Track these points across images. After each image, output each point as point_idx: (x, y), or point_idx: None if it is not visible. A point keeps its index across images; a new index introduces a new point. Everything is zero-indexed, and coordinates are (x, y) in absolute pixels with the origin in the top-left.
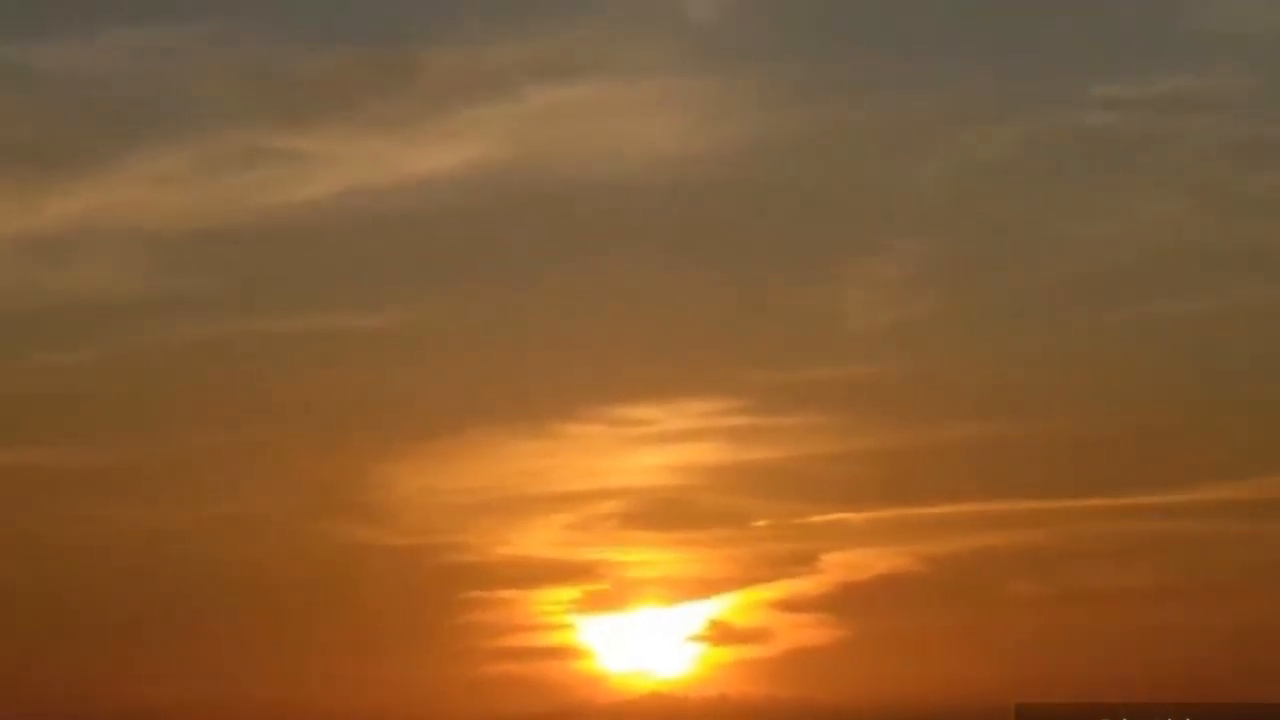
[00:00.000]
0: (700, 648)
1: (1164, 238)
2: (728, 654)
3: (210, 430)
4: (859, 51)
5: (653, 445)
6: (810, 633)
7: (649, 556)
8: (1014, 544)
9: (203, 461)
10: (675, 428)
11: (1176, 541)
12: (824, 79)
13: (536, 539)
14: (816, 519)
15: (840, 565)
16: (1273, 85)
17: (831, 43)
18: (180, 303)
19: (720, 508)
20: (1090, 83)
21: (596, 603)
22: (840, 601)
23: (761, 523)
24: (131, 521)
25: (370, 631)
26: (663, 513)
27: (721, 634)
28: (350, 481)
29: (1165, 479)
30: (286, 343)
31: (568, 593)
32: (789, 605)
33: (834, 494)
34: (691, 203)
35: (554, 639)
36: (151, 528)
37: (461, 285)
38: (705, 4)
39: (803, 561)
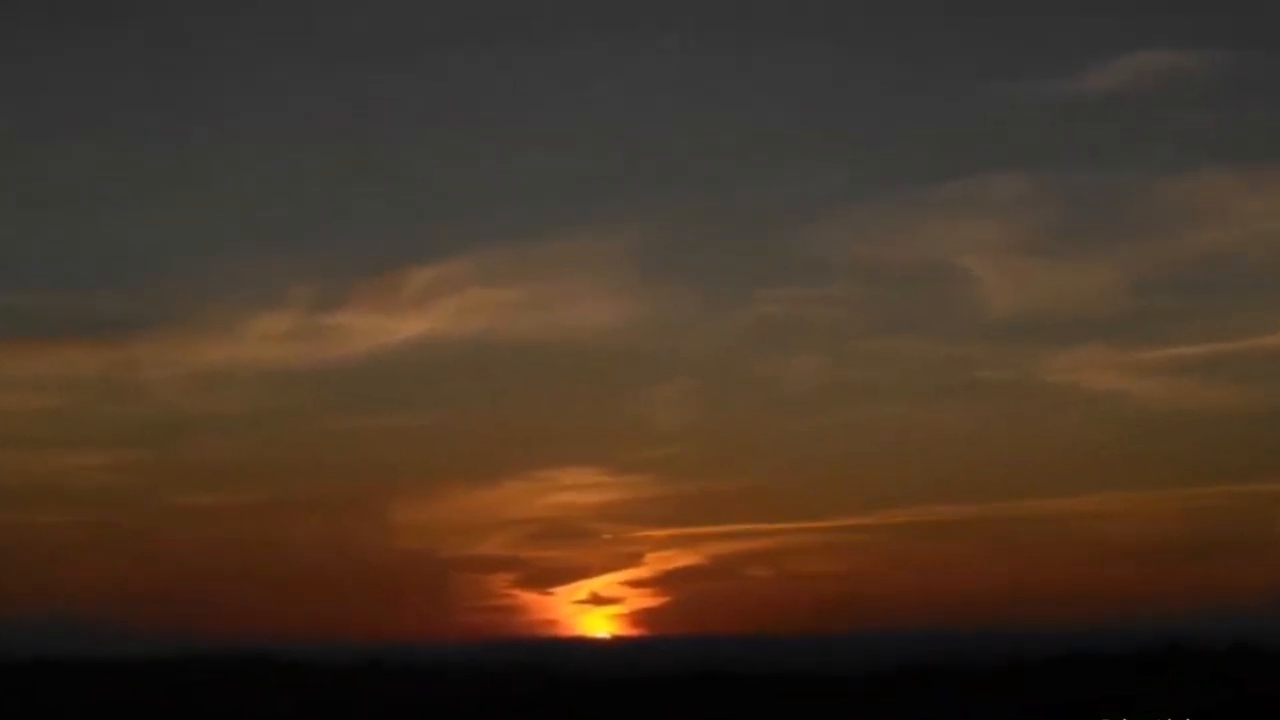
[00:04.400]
0: (584, 608)
1: (823, 376)
2: (600, 611)
3: (318, 483)
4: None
5: (554, 493)
6: (645, 600)
7: (553, 555)
8: (754, 546)
9: (311, 503)
10: (566, 483)
11: (856, 546)
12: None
13: (492, 545)
14: (641, 534)
15: (657, 560)
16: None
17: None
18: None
19: (591, 528)
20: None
21: (525, 582)
22: (660, 581)
23: (608, 536)
24: (271, 528)
25: (406, 591)
26: (559, 531)
27: (595, 600)
28: (390, 515)
29: (834, 511)
30: (349, 436)
31: (509, 576)
32: (632, 584)
33: (651, 520)
34: (573, 356)
35: (502, 602)
36: (280, 532)
37: (433, 401)
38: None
39: (636, 558)
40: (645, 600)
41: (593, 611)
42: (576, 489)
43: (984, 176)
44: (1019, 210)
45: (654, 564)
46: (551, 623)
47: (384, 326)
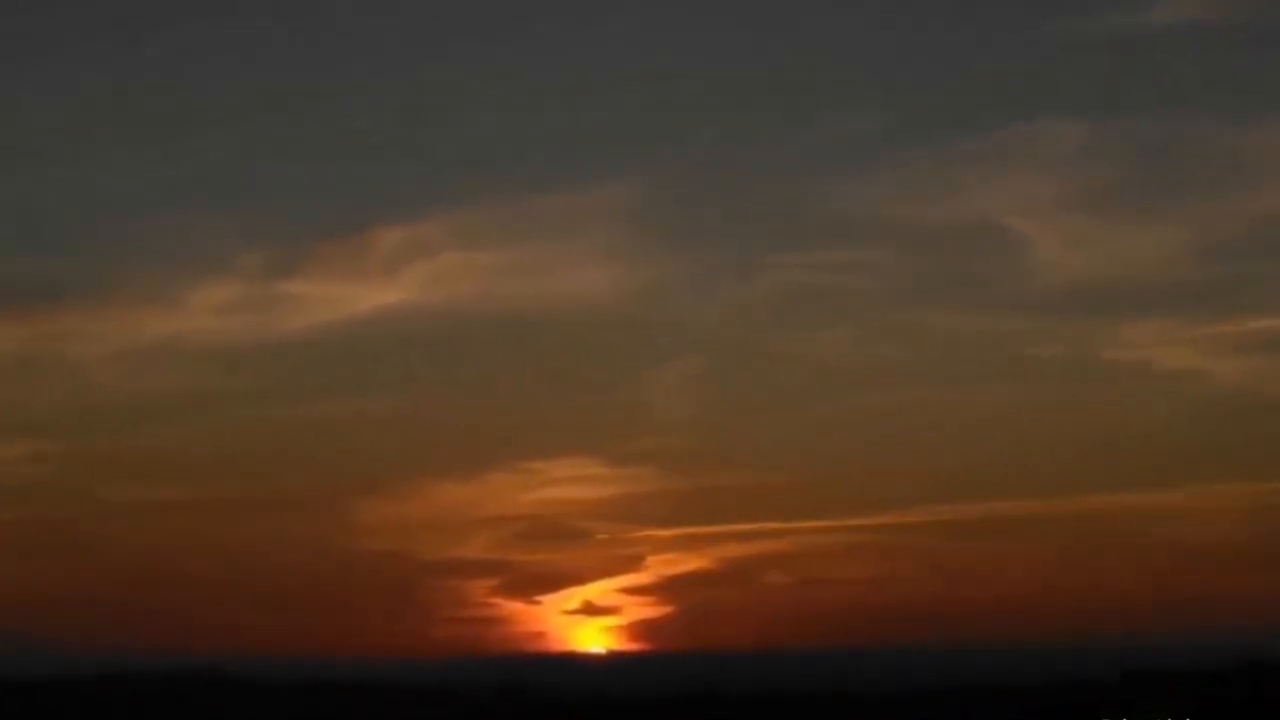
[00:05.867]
0: (576, 618)
1: (850, 353)
2: (594, 622)
3: (272, 476)
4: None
5: (542, 488)
6: (645, 609)
7: (541, 558)
8: (769, 549)
9: (265, 500)
10: (556, 476)
11: (887, 548)
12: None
13: (472, 547)
14: (641, 534)
15: (660, 564)
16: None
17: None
18: (218, 393)
19: (584, 527)
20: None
21: (509, 589)
22: (662, 588)
23: (604, 537)
24: (217, 528)
25: (373, 599)
26: (548, 531)
27: (589, 609)
28: (355, 512)
29: (864, 508)
30: (307, 422)
31: (491, 582)
32: (630, 591)
33: (652, 518)
34: (564, 330)
35: (482, 612)
36: (229, 532)
37: (405, 382)
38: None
39: (635, 562)
40: (646, 610)
41: (586, 623)
42: (568, 483)
43: (1036, 124)
44: (1076, 162)
45: (656, 568)
46: (539, 635)
47: (346, 296)
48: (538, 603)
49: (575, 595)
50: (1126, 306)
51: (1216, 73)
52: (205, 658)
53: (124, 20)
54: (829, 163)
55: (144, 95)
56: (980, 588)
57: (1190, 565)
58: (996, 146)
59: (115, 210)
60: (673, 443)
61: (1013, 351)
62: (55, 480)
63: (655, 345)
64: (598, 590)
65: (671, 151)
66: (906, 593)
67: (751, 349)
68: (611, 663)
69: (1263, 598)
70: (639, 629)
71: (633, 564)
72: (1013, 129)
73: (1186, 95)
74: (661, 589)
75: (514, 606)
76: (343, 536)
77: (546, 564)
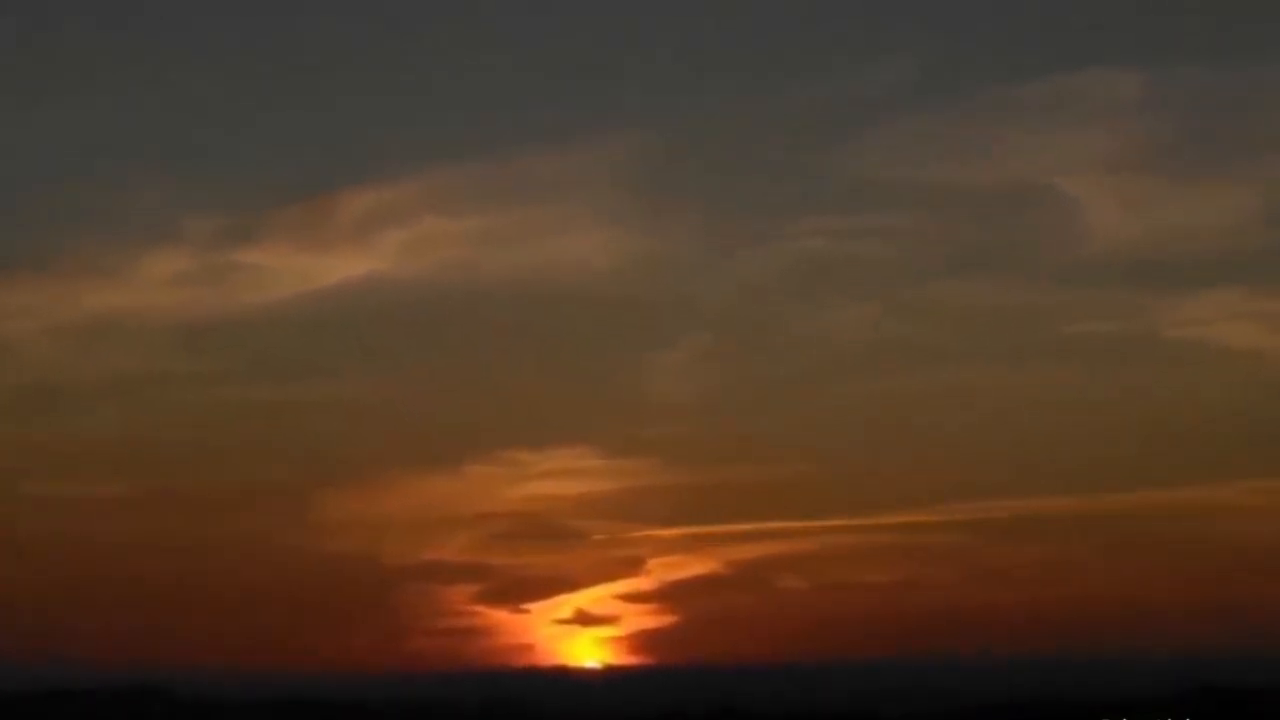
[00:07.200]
0: (568, 628)
1: (875, 332)
2: (589, 633)
3: (226, 468)
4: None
5: (530, 481)
6: (646, 619)
7: (529, 561)
8: (785, 550)
9: (217, 495)
10: (546, 469)
11: (917, 550)
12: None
13: (451, 549)
14: (641, 534)
15: (662, 568)
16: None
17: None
18: (165, 376)
19: (577, 526)
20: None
21: (493, 596)
22: (665, 595)
23: (600, 537)
24: (162, 527)
25: (339, 608)
26: (537, 531)
27: (584, 619)
28: (319, 509)
29: (889, 505)
30: (265, 408)
31: (472, 588)
32: (629, 598)
33: (654, 517)
34: (554, 305)
35: (463, 621)
36: (177, 531)
37: (376, 363)
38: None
39: (634, 565)
40: (646, 619)
41: (579, 633)
42: (560, 476)
43: (1084, 73)
44: (1130, 116)
45: (658, 572)
46: (526, 648)
47: (310, 267)
48: (525, 611)
49: (567, 603)
50: (1188, 278)
51: None
52: (149, 673)
53: None
54: (852, 118)
55: (76, 43)
56: (1018, 593)
57: (1254, 569)
58: (1040, 99)
59: (48, 173)
60: (677, 432)
61: (1058, 329)
62: None
63: (658, 323)
64: (592, 597)
65: (678, 105)
66: (936, 599)
67: (766, 327)
68: (608, 678)
69: None
70: (639, 640)
71: (632, 567)
72: (1057, 79)
73: (1254, 42)
74: (664, 595)
75: (498, 615)
76: (305, 536)
77: (535, 567)
